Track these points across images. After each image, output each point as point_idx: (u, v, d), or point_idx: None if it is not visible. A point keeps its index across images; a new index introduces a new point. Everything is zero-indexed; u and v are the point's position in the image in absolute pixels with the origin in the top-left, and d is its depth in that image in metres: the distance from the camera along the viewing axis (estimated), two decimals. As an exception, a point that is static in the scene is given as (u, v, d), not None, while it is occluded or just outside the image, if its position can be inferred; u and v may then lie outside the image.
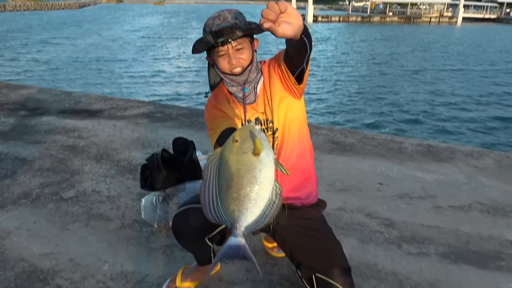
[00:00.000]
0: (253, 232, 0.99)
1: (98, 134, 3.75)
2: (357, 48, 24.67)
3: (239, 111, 1.48)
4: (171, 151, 2.40)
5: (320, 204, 1.68)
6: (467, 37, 33.29)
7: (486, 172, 2.91)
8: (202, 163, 2.39)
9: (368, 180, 2.78)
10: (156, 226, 2.18)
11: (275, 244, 1.92)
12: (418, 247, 2.03)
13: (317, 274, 1.52)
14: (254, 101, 1.46)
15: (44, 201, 2.49)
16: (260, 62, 1.51)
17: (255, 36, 1.46)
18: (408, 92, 12.78)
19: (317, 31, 38.76)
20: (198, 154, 2.66)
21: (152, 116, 4.33)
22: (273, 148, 1.49)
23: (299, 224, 1.60)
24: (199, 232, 1.49)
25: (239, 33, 1.30)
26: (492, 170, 2.95)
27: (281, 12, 0.99)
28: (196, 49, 1.36)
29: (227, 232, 1.56)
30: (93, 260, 1.92)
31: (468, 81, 14.82)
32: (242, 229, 0.92)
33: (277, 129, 1.48)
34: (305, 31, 1.12)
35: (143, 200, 2.28)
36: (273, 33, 1.01)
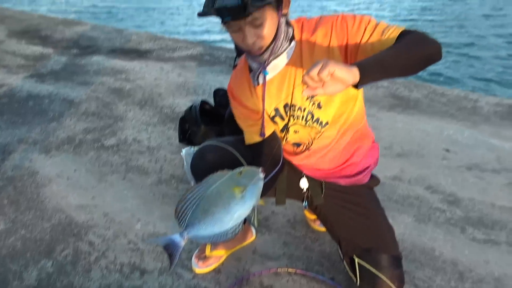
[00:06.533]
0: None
1: (144, 77, 3.64)
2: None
3: (257, 98, 1.25)
4: (212, 101, 2.22)
5: (371, 180, 1.44)
6: None
7: None
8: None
9: (432, 144, 2.44)
10: (193, 183, 2.07)
11: (317, 217, 1.74)
12: (485, 233, 1.73)
13: (360, 261, 1.32)
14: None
15: (86, 148, 2.46)
16: (297, 21, 1.18)
17: None
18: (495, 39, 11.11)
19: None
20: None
21: (200, 58, 4.13)
22: (312, 141, 1.29)
23: (343, 199, 1.40)
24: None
25: (254, 8, 0.96)
26: None
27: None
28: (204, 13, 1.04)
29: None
30: (127, 216, 1.86)
31: None
32: (190, 235, 1.01)
33: (327, 123, 1.21)
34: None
35: (183, 150, 2.15)
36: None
